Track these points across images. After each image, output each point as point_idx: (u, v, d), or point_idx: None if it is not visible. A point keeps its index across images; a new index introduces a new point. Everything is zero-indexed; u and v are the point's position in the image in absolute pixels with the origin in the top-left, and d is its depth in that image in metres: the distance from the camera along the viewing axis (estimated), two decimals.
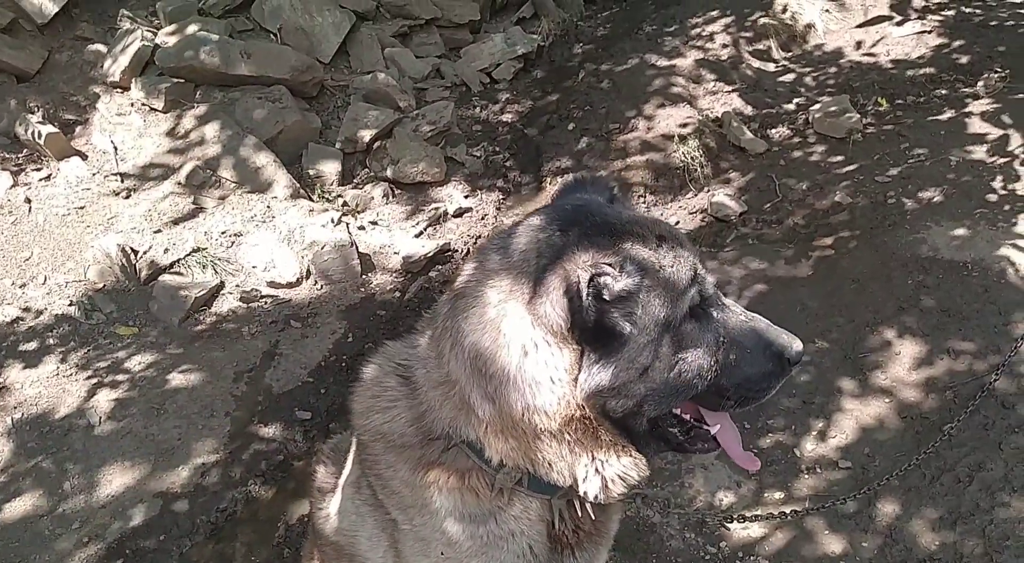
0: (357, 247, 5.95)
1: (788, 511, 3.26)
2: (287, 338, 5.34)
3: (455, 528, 2.05)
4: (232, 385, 5.01)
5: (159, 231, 6.05)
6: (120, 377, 5.10)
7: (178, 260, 5.87)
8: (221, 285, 5.77)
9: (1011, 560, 3.36)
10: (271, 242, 5.95)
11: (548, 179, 6.56)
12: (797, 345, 1.91)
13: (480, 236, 6.11)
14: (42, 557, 4.10)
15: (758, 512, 3.19)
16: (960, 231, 5.15)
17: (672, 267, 1.78)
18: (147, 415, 4.82)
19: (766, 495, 3.85)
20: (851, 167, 6.05)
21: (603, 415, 1.79)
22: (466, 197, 6.55)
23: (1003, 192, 5.34)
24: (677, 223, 5.92)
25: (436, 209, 6.39)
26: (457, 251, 5.98)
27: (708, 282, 1.89)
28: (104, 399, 4.94)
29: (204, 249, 5.91)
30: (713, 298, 1.90)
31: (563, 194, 2.12)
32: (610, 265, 1.68)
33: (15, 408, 4.93)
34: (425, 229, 6.24)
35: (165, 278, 5.71)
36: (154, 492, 4.37)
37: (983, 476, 3.72)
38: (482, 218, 6.34)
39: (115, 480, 4.46)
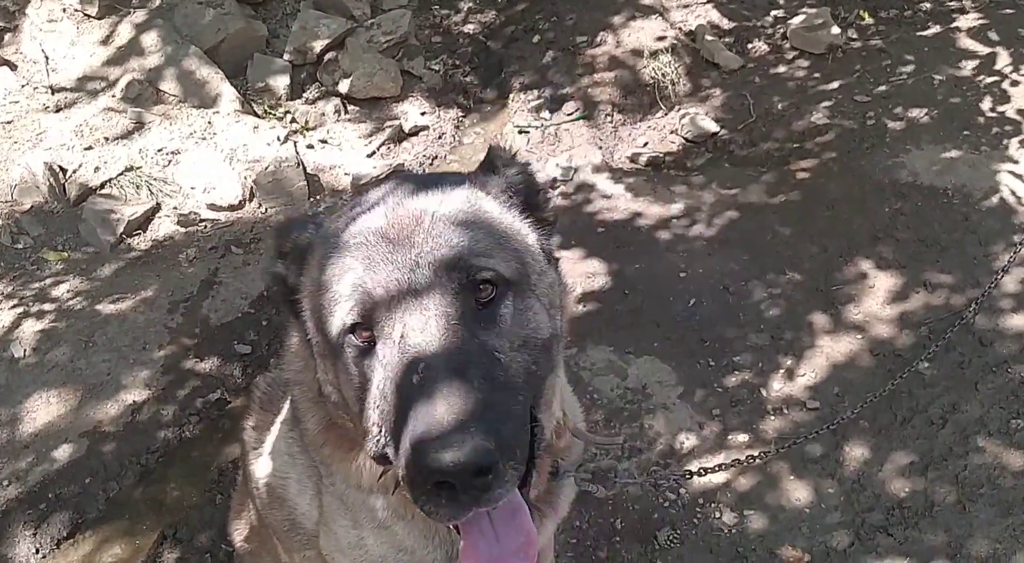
0: (305, 167, 5.57)
1: (746, 457, 3.05)
2: (227, 265, 4.99)
3: (356, 496, 1.82)
4: (167, 316, 4.68)
5: (90, 148, 5.61)
6: (47, 306, 4.76)
7: (110, 179, 5.45)
8: (157, 207, 5.39)
9: (984, 510, 3.18)
10: (212, 161, 5.55)
11: (512, 95, 6.16)
12: (448, 456, 1.21)
13: (436, 157, 5.74)
14: None
15: (718, 462, 2.98)
16: (942, 155, 4.87)
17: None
18: (75, 347, 4.50)
19: (730, 438, 3.64)
20: (831, 85, 5.71)
21: None
22: (423, 114, 6.14)
23: (990, 114, 5.05)
24: (646, 144, 5.59)
25: (391, 127, 5.98)
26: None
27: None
28: (29, 329, 4.60)
29: (139, 168, 5.50)
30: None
31: None
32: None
33: None
34: (378, 148, 5.85)
35: (96, 199, 5.32)
36: (80, 431, 4.08)
37: (957, 418, 3.52)
38: (439, 137, 5.95)
39: (39, 417, 4.17)
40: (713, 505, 3.40)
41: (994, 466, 3.32)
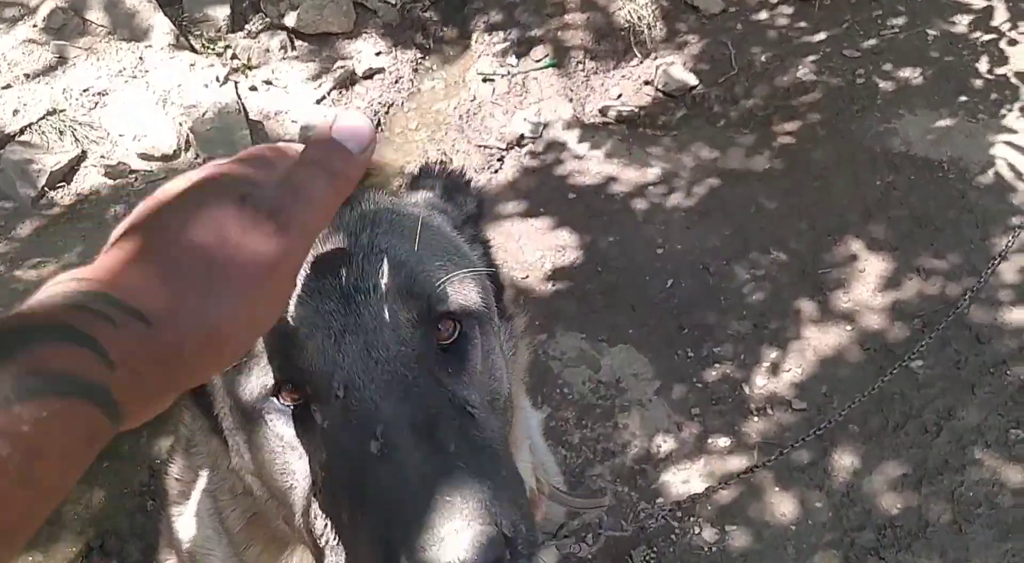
0: (247, 112, 5.06)
1: (724, 479, 2.80)
2: None
3: None
4: None
5: (9, 87, 5.03)
6: None
7: (31, 124, 4.90)
8: (82, 156, 4.86)
9: (981, 532, 2.98)
10: (143, 103, 5.01)
11: (475, 36, 5.66)
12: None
13: (392, 105, 5.26)
14: None
15: (698, 469, 2.73)
16: (937, 122, 4.56)
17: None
18: None
19: (710, 441, 3.38)
20: (817, 37, 5.32)
21: None
22: (378, 54, 5.62)
23: (988, 77, 4.73)
24: (619, 97, 5.17)
25: (343, 68, 5.46)
26: None
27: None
28: None
29: (62, 111, 4.94)
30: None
31: None
32: None
33: None
34: (329, 92, 5.34)
35: (15, 147, 4.78)
36: None
37: (953, 425, 3.29)
38: (396, 81, 5.46)
39: None
40: (692, 519, 3.15)
41: (992, 482, 3.11)
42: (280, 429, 1.03)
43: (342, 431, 0.94)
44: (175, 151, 4.89)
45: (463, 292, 1.08)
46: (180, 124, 4.95)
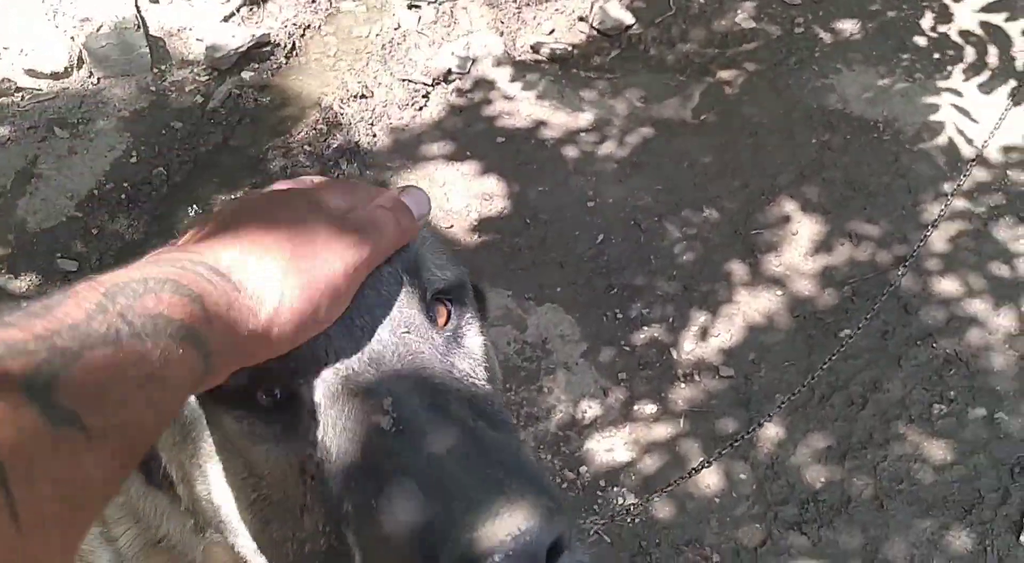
0: (147, 28, 4.61)
1: (688, 471, 2.72)
2: (49, 152, 4.12)
3: None
4: None
5: None
6: None
7: None
8: None
9: (902, 509, 2.98)
10: (31, 14, 4.51)
11: None
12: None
13: (309, 27, 4.87)
14: None
15: (626, 458, 2.64)
16: (875, 81, 4.46)
17: None
18: None
19: (636, 407, 3.29)
20: None
21: None
22: None
23: (932, 35, 4.64)
24: (552, 32, 4.90)
25: None
26: (279, 46, 4.74)
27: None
28: None
29: None
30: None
31: None
32: None
33: None
34: (238, 9, 4.89)
35: None
36: None
37: (879, 398, 3.28)
38: (313, 1, 5.04)
39: None
40: (616, 489, 3.07)
41: (914, 457, 3.12)
42: (253, 429, 0.83)
43: (346, 405, 0.78)
44: (66, 69, 4.43)
45: (451, 269, 0.98)
46: (72, 38, 4.48)
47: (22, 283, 3.65)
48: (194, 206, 3.98)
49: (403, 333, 0.82)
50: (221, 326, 0.66)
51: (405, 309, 0.84)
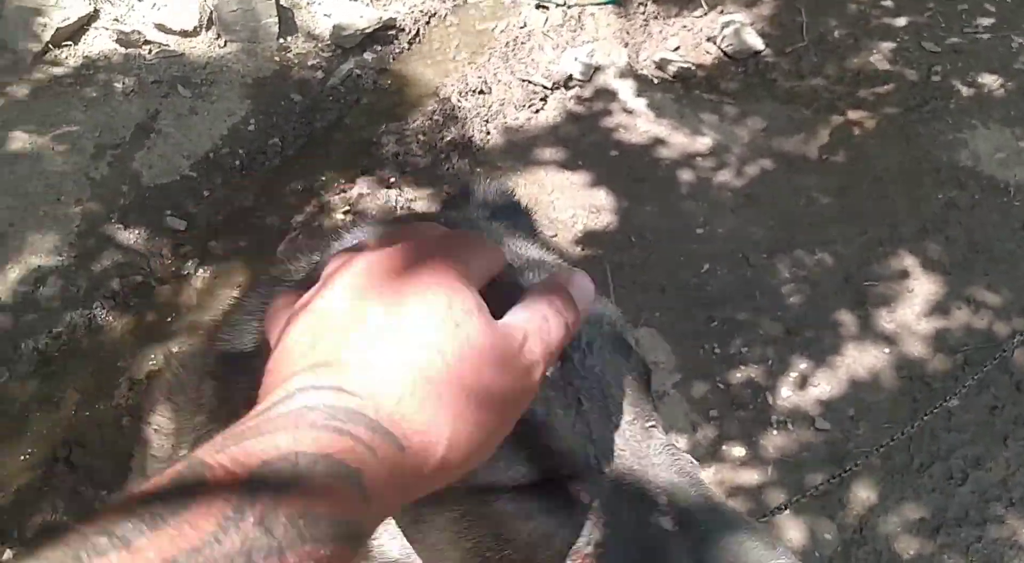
0: None
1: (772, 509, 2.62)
2: (171, 109, 4.18)
3: None
4: (90, 162, 3.92)
5: None
6: None
7: None
8: (94, 15, 4.46)
9: None
10: None
11: None
12: None
13: (435, 15, 4.85)
14: None
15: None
16: (1010, 141, 4.28)
17: None
18: None
19: (724, 449, 3.19)
20: (898, 21, 4.96)
21: None
22: None
23: None
24: (677, 49, 4.81)
25: None
26: (404, 31, 4.73)
27: None
28: None
29: None
30: None
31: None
32: None
33: None
34: None
35: None
36: None
37: (979, 476, 3.13)
38: None
39: None
40: None
41: (1010, 543, 2.97)
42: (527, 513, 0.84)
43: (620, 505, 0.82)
44: (195, 28, 4.49)
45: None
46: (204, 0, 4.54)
47: (130, 235, 3.71)
48: (305, 182, 4.00)
49: (650, 426, 0.85)
50: (378, 503, 0.57)
51: (642, 399, 0.88)
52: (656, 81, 4.59)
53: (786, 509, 2.61)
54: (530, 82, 4.45)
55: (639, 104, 4.42)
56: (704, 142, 4.26)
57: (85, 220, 3.73)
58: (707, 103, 4.49)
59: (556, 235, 3.79)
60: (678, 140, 4.26)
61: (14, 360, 3.31)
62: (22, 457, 3.06)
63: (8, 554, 2.72)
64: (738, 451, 3.19)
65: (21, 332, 3.38)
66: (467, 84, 4.41)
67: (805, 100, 4.55)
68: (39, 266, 3.54)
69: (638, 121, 4.33)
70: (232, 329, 1.07)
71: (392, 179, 3.95)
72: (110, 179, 3.88)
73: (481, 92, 4.38)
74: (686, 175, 4.10)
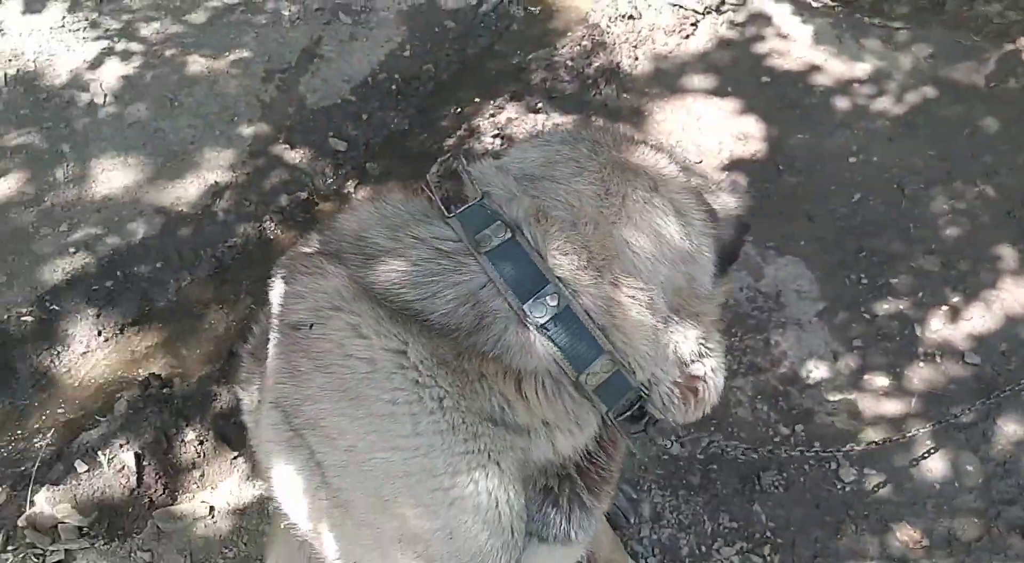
0: None
1: (884, 439, 2.62)
2: (333, 36, 4.39)
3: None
4: (261, 86, 4.19)
5: None
6: (133, 46, 4.30)
7: None
8: None
9: None
10: None
11: None
12: None
13: None
14: (20, 257, 3.59)
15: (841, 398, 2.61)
16: None
17: None
18: (158, 103, 4.09)
19: (867, 378, 3.17)
20: None
21: None
22: None
23: None
24: None
25: None
26: None
27: None
28: (112, 73, 4.18)
29: None
30: None
31: None
32: None
33: (10, 61, 4.19)
34: None
35: None
36: (157, 206, 3.77)
37: None
38: None
39: (114, 179, 3.84)
40: (830, 453, 3.00)
41: None
42: None
43: None
44: None
45: None
46: None
47: (296, 155, 3.96)
48: (456, 107, 4.13)
49: None
50: None
51: None
52: (816, 5, 4.44)
53: (926, 434, 2.61)
54: (681, 7, 4.40)
55: (795, 29, 4.29)
56: (863, 68, 4.11)
57: (256, 140, 4.01)
58: (870, 28, 4.31)
59: (702, 162, 3.79)
60: (835, 66, 4.13)
61: (195, 265, 3.65)
62: (199, 349, 3.40)
63: (191, 434, 3.05)
64: (881, 381, 3.16)
65: (201, 241, 3.71)
66: (617, 9, 4.40)
67: (975, 26, 4.30)
68: (216, 182, 3.85)
69: (793, 47, 4.22)
70: None
71: (540, 104, 4.03)
72: (278, 102, 4.14)
73: (631, 17, 4.37)
74: (841, 102, 3.99)
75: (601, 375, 1.38)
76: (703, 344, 1.54)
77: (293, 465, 1.49)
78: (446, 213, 1.42)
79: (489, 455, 1.38)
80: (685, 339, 1.51)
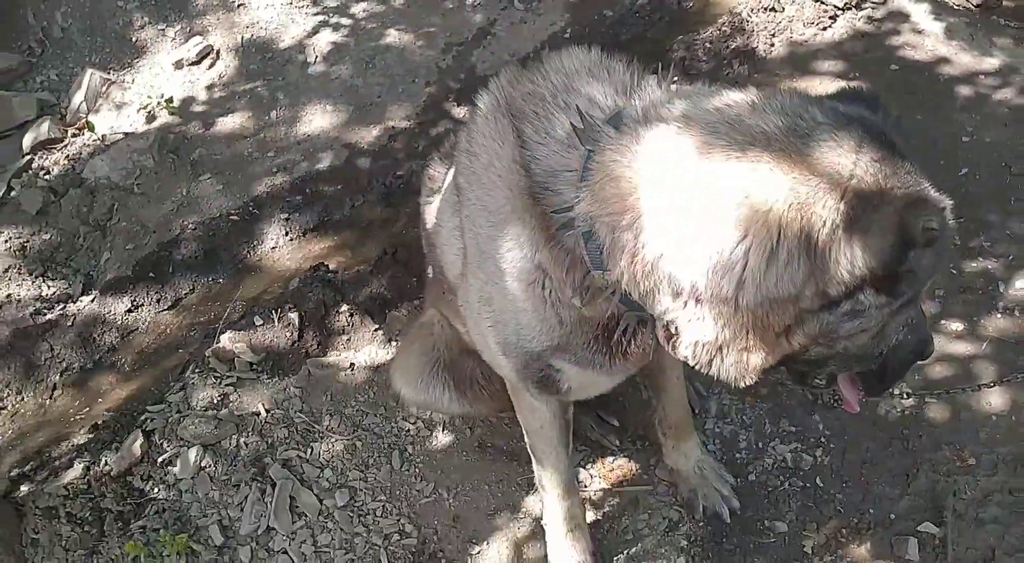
0: None
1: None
2: (506, 18, 5.08)
3: (516, 287, 1.97)
4: (440, 55, 4.93)
5: None
6: (343, 20, 5.16)
7: None
8: None
9: None
10: None
11: None
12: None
13: None
14: (236, 175, 4.46)
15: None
16: None
17: None
18: (357, 65, 4.90)
19: (943, 322, 3.40)
20: None
21: (787, 338, 1.65)
22: None
23: None
24: None
25: None
26: None
27: None
28: (324, 40, 5.05)
29: None
30: None
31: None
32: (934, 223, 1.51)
33: (248, 27, 5.15)
34: None
35: None
36: (344, 142, 4.55)
37: None
38: None
39: (314, 121, 4.67)
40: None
41: None
42: None
43: None
44: None
45: None
46: None
47: (461, 111, 4.65)
48: None
49: None
50: None
51: None
52: (956, 7, 4.67)
53: (995, 386, 2.87)
54: (822, 2, 4.75)
55: (931, 26, 4.55)
56: (991, 63, 4.32)
57: (431, 98, 4.74)
58: (1004, 30, 4.51)
59: None
60: (964, 60, 4.36)
61: (368, 190, 4.39)
62: (363, 250, 4.12)
63: (344, 307, 3.74)
64: (956, 326, 3.38)
65: (375, 171, 4.45)
66: (761, 2, 4.81)
67: None
68: (393, 127, 4.60)
69: (926, 41, 4.48)
70: None
71: (675, 79, 4.50)
72: (452, 69, 4.86)
73: (773, 9, 4.77)
74: (964, 90, 4.21)
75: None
76: None
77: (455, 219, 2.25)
78: None
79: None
80: None
